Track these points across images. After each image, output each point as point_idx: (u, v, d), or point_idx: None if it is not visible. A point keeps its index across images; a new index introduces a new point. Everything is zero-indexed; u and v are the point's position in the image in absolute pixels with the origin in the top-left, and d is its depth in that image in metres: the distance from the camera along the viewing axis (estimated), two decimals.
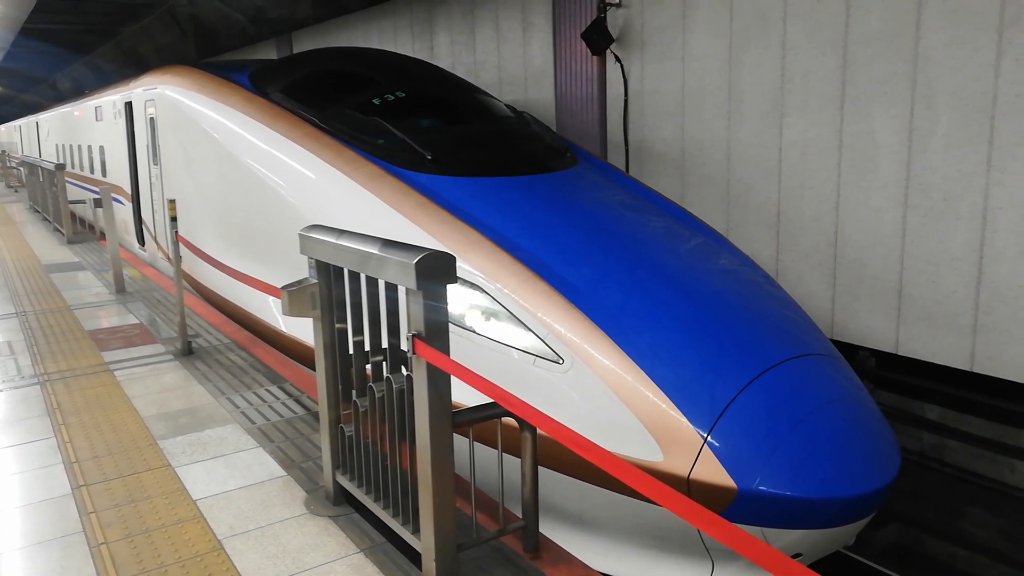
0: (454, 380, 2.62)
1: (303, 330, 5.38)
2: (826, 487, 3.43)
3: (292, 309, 3.20)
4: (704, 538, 3.60)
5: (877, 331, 5.94)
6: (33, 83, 35.80)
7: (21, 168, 22.26)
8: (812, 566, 3.67)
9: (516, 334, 4.08)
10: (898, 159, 5.64)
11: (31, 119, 23.92)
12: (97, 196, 8.76)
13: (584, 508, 3.88)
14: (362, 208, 5.00)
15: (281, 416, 4.56)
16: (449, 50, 10.75)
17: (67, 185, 12.41)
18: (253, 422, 4.49)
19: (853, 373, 4.21)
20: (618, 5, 7.82)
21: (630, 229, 4.93)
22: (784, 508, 3.39)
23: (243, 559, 3.07)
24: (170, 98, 7.71)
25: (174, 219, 5.64)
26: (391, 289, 2.93)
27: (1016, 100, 4.98)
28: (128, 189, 10.33)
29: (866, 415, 3.87)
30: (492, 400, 2.51)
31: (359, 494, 3.22)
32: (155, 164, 8.59)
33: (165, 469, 3.90)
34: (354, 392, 3.22)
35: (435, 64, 9.15)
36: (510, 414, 2.66)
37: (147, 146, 8.85)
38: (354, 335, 3.18)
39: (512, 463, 3.15)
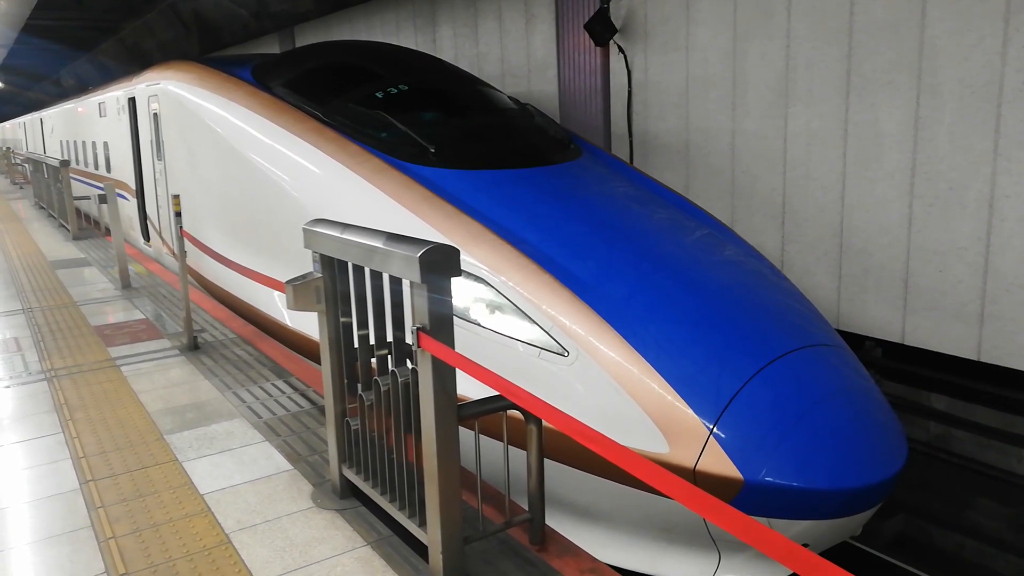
0: (459, 373, 2.62)
1: (308, 324, 5.38)
2: (833, 478, 3.42)
3: (297, 303, 3.20)
4: (711, 529, 3.60)
5: (883, 321, 5.92)
6: (37, 80, 35.83)
7: (26, 165, 22.29)
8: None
9: (521, 327, 4.07)
10: (904, 148, 5.61)
11: (35, 115, 23.95)
12: (102, 192, 8.77)
13: (590, 500, 3.88)
14: (366, 202, 4.99)
15: (287, 410, 4.57)
16: (452, 42, 10.72)
17: (72, 181, 12.43)
18: (259, 416, 4.50)
19: (860, 364, 4.20)
20: None
21: (635, 221, 4.92)
22: (790, 499, 3.39)
23: (251, 553, 3.08)
24: (173, 93, 7.71)
25: (178, 214, 5.65)
26: (396, 283, 2.93)
27: (1023, 88, 4.94)
28: (132, 185, 10.35)
29: (873, 406, 3.86)
30: (497, 393, 2.51)
31: (365, 487, 3.22)
32: (159, 160, 8.59)
33: (172, 464, 3.91)
34: (359, 386, 3.22)
35: (438, 57, 9.13)
36: (516, 406, 2.65)
37: (151, 142, 8.85)
38: (359, 329, 3.18)
39: (518, 455, 3.15)
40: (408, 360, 2.95)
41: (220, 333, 6.25)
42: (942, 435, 5.79)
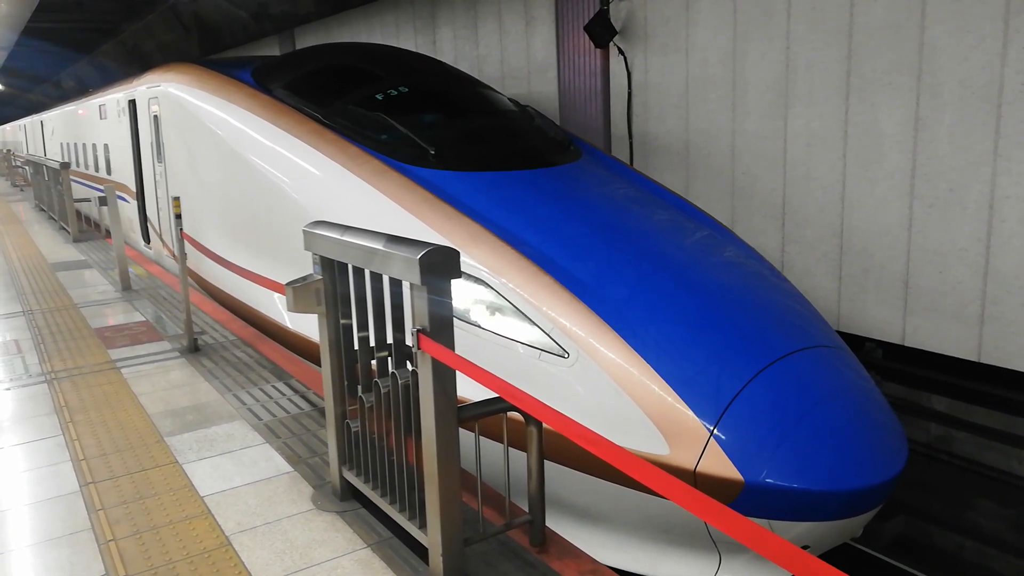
0: (459, 375, 2.62)
1: (308, 326, 5.38)
2: (833, 479, 3.42)
3: (297, 305, 3.20)
4: (711, 531, 3.59)
5: (884, 322, 5.92)
6: (37, 82, 35.86)
7: (26, 167, 22.30)
8: (819, 558, 3.66)
9: (521, 328, 4.07)
10: (904, 149, 5.61)
11: (36, 118, 23.97)
12: (102, 194, 8.78)
13: (590, 502, 3.87)
14: (366, 204, 5.00)
15: (287, 412, 4.57)
16: (452, 44, 10.72)
17: (72, 183, 12.43)
18: (260, 418, 4.49)
19: (860, 365, 4.20)
20: None
21: (635, 222, 4.92)
22: (791, 500, 3.39)
23: (251, 555, 3.08)
24: (174, 95, 7.71)
25: (179, 216, 5.65)
26: (396, 284, 2.93)
27: (1023, 89, 4.95)
28: (133, 187, 10.35)
29: (873, 407, 3.86)
30: (497, 395, 2.51)
31: (366, 489, 3.22)
32: (159, 162, 8.60)
33: (172, 466, 3.91)
34: (360, 388, 3.22)
35: (438, 58, 9.13)
36: (516, 408, 2.65)
37: (151, 144, 8.85)
38: (359, 331, 3.18)
39: (518, 457, 3.15)
40: (408, 362, 2.95)
41: (220, 335, 6.25)
42: (942, 436, 5.79)
